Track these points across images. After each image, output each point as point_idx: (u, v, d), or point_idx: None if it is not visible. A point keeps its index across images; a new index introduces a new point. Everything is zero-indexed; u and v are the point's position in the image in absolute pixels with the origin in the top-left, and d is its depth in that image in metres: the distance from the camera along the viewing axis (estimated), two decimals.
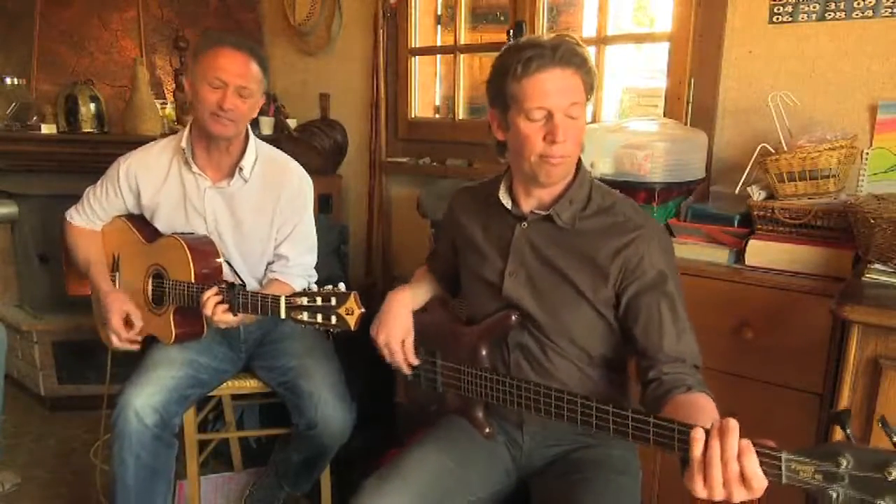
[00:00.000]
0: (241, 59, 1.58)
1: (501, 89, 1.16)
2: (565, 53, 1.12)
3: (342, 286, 1.33)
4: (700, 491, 0.86)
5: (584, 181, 1.24)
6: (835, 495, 0.77)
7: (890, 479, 0.74)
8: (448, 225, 1.45)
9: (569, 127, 1.14)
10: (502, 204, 1.27)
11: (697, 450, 0.85)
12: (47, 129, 2.58)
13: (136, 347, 1.73)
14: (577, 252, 1.21)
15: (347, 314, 1.30)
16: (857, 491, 0.76)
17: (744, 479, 0.82)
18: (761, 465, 0.81)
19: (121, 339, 1.71)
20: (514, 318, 1.25)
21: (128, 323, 1.71)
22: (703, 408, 1.03)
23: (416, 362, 1.35)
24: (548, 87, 1.12)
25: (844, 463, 0.76)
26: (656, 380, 1.12)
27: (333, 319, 1.31)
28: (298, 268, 1.78)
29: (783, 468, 0.80)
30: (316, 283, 1.80)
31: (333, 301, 1.31)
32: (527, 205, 1.26)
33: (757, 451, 0.82)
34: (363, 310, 1.31)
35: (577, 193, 1.23)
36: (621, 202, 1.25)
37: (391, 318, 1.35)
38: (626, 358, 1.29)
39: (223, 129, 1.61)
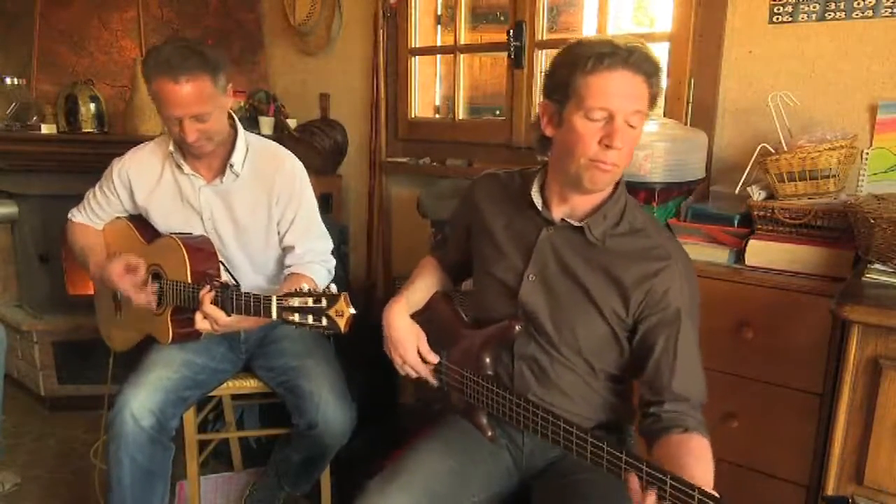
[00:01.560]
0: (181, 89, 1.50)
1: (566, 81, 1.10)
2: (639, 59, 1.07)
3: (333, 287, 1.31)
4: None
5: (621, 197, 1.20)
6: None
7: None
8: (466, 208, 1.38)
9: (626, 134, 1.08)
10: (531, 202, 1.22)
11: None
12: (47, 129, 2.58)
13: (151, 300, 1.66)
14: (603, 269, 1.17)
15: (338, 316, 1.28)
16: None
17: None
18: None
19: (134, 290, 1.65)
20: (517, 328, 1.22)
21: (130, 269, 1.67)
22: (692, 450, 1.05)
23: (435, 360, 1.33)
24: (614, 89, 1.07)
25: None
26: (655, 415, 1.12)
27: (324, 321, 1.30)
28: (310, 254, 1.75)
29: None
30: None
31: (324, 302, 1.29)
32: (558, 210, 1.21)
33: None
34: (353, 311, 1.29)
35: (613, 208, 1.18)
36: (653, 225, 1.22)
37: (395, 333, 1.33)
38: (632, 377, 1.29)
39: (200, 150, 1.62)
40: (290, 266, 1.74)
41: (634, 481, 0.96)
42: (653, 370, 1.14)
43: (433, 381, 1.34)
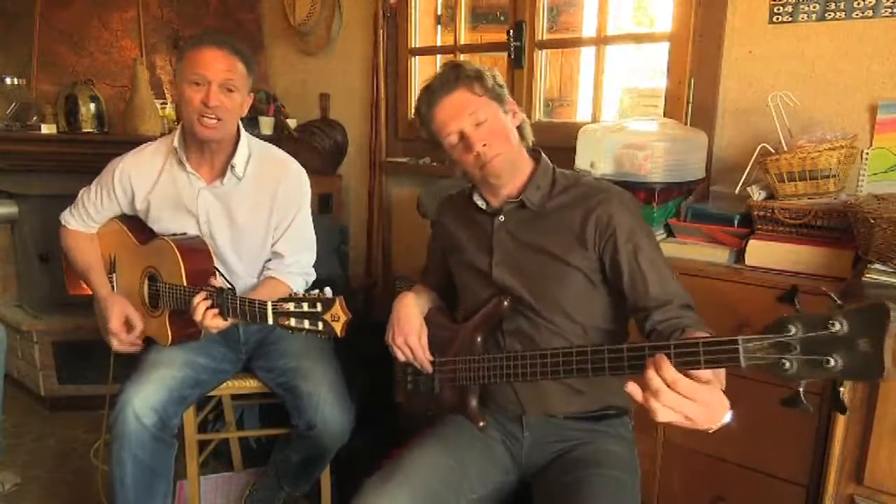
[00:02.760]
0: (222, 56, 1.58)
1: (429, 135, 1.31)
2: (445, 82, 1.26)
3: (328, 291, 1.31)
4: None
5: (546, 170, 1.33)
6: (787, 364, 0.81)
7: (834, 330, 0.77)
8: (438, 233, 1.52)
9: (482, 132, 1.24)
10: (477, 206, 1.36)
11: (638, 396, 0.91)
12: (47, 129, 2.58)
13: (137, 349, 1.74)
14: (553, 227, 1.28)
15: (333, 320, 1.29)
16: (808, 354, 0.79)
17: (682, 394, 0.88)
18: (721, 355, 0.86)
19: (122, 342, 1.72)
20: (505, 303, 1.29)
21: (128, 325, 1.71)
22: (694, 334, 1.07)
23: (431, 358, 1.37)
24: (445, 115, 1.26)
25: (793, 330, 0.79)
26: (653, 331, 1.17)
27: (320, 325, 1.30)
28: (295, 265, 1.76)
29: (741, 350, 0.83)
30: (315, 281, 1.81)
31: (319, 307, 1.30)
32: (497, 202, 1.34)
33: (715, 341, 0.87)
34: (349, 316, 1.30)
35: (542, 180, 1.32)
36: (585, 177, 1.33)
37: (403, 320, 1.40)
38: (624, 327, 1.32)
39: (210, 132, 1.60)
40: (271, 270, 1.75)
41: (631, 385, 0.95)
42: (630, 290, 1.21)
43: (427, 368, 1.38)
